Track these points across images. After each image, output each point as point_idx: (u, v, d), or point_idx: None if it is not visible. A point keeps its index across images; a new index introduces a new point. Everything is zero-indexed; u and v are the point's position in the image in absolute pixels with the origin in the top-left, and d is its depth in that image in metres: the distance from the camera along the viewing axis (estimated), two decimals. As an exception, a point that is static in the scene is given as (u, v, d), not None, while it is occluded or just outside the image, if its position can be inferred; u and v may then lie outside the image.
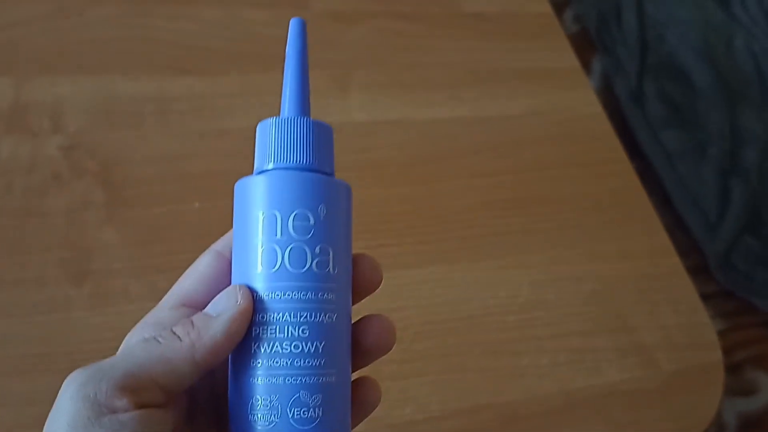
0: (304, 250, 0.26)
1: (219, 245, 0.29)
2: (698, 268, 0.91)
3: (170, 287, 0.29)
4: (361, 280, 0.29)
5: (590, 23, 1.18)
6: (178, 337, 0.25)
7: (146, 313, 0.29)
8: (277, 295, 0.26)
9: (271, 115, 0.29)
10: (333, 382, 0.26)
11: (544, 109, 0.68)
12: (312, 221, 0.26)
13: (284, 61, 0.29)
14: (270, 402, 0.25)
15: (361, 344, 0.28)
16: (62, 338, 0.46)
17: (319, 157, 0.27)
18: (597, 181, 0.64)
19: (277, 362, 0.25)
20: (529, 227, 0.59)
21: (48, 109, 0.55)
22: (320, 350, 0.26)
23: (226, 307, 0.26)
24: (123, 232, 0.51)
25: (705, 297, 0.59)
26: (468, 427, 0.47)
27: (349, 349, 0.28)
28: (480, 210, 0.59)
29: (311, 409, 0.25)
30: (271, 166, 0.27)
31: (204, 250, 0.30)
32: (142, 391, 0.24)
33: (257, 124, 0.28)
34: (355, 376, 0.29)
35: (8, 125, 0.54)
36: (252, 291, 0.26)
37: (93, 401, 0.23)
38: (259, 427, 0.25)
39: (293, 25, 0.29)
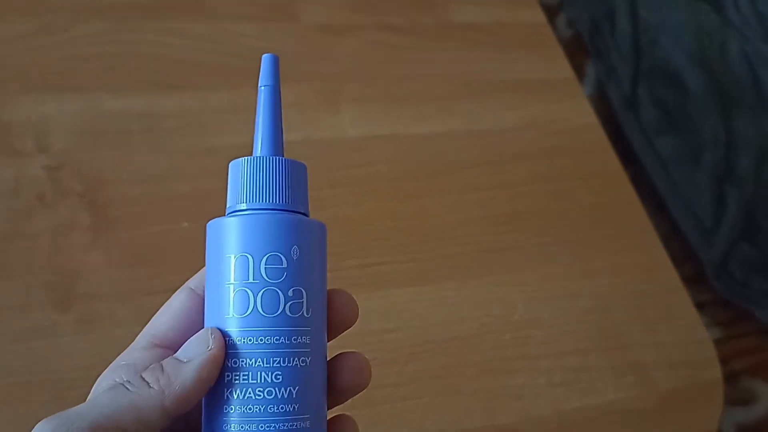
0: (277, 293, 0.26)
1: (193, 282, 0.29)
2: (694, 275, 0.91)
3: (158, 310, 0.29)
4: (337, 317, 0.28)
5: (583, 28, 1.17)
6: (147, 383, 0.25)
7: (134, 337, 0.28)
8: (250, 339, 0.26)
9: None
10: (308, 427, 0.26)
11: (538, 120, 0.67)
12: (285, 264, 0.26)
13: (257, 95, 0.29)
14: None
15: (335, 384, 0.28)
16: (47, 365, 0.45)
17: (292, 198, 0.27)
18: (592, 194, 0.63)
19: (250, 409, 0.25)
20: (523, 242, 0.58)
21: (32, 128, 0.54)
22: (294, 395, 0.26)
23: (197, 352, 0.25)
24: (109, 255, 0.50)
25: (701, 305, 0.58)
26: (463, 452, 0.46)
27: (325, 391, 0.27)
28: (473, 225, 0.58)
29: None
30: (243, 206, 0.27)
31: (193, 271, 0.29)
32: None
33: (230, 163, 0.28)
34: (331, 414, 0.28)
35: (-8, 145, 0.53)
36: (224, 335, 0.26)
37: None
38: None
39: (265, 61, 0.29)
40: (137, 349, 0.27)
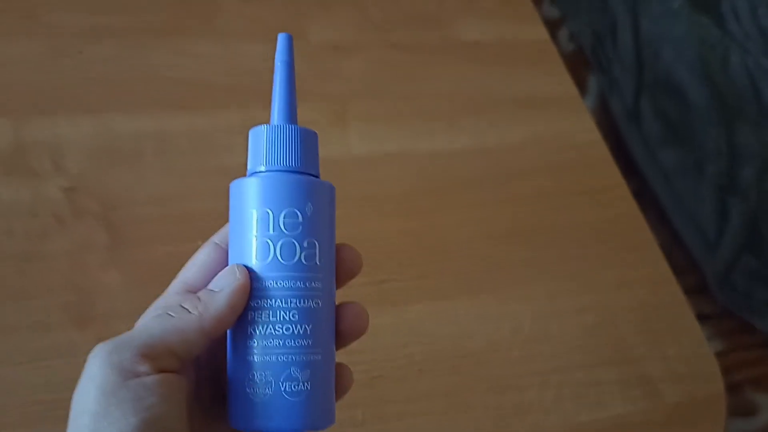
0: (294, 244, 0.29)
1: (217, 238, 0.32)
2: (697, 287, 0.92)
3: (186, 264, 0.32)
4: (344, 267, 0.32)
5: (585, 42, 1.18)
6: (187, 310, 0.29)
7: None
8: (270, 283, 0.29)
9: None
10: (320, 360, 0.29)
11: (543, 137, 0.68)
12: (300, 218, 0.30)
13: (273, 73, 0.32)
14: (264, 377, 0.29)
15: (338, 329, 0.31)
16: (68, 384, 0.46)
17: (305, 161, 0.31)
18: (596, 209, 0.64)
19: (270, 342, 0.29)
20: (530, 258, 0.59)
21: (48, 149, 0.56)
22: (308, 332, 0.29)
23: (227, 282, 0.29)
24: (126, 274, 0.51)
25: (704, 317, 0.59)
26: (474, 467, 0.47)
27: (333, 332, 0.31)
28: (481, 241, 0.59)
29: (301, 383, 0.29)
30: (263, 168, 0.30)
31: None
32: (159, 358, 0.27)
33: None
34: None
35: (8, 167, 0.54)
36: (248, 270, 0.29)
37: (119, 367, 0.26)
38: (255, 399, 0.29)
39: (281, 39, 0.32)
40: (172, 295, 0.31)
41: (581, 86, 0.73)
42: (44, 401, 0.45)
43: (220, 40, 0.66)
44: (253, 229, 0.29)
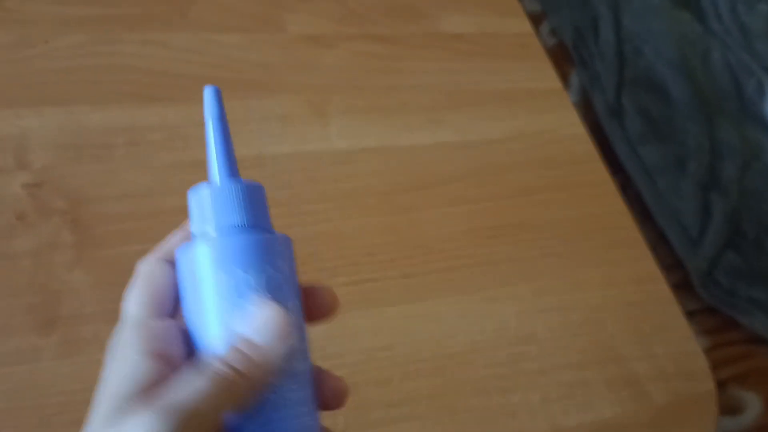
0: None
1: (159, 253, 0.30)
2: (680, 284, 0.91)
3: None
4: (318, 312, 0.30)
5: (567, 37, 1.17)
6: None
7: None
8: None
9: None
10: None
11: (526, 131, 0.66)
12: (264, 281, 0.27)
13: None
14: None
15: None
16: (31, 392, 0.43)
17: (255, 216, 0.29)
18: (581, 205, 0.63)
19: None
20: (514, 256, 0.58)
21: (11, 143, 0.53)
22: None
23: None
24: (94, 274, 0.48)
25: (688, 314, 0.58)
26: (459, 473, 0.45)
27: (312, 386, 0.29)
28: (464, 238, 0.58)
29: None
30: (211, 230, 0.28)
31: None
32: None
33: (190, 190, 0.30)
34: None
35: (-30, 162, 0.51)
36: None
37: None
38: None
39: (207, 93, 0.31)
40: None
41: (563, 82, 0.71)
42: (7, 409, 0.42)
43: (194, 30, 0.64)
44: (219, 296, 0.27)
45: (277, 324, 0.26)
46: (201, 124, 0.58)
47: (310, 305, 0.30)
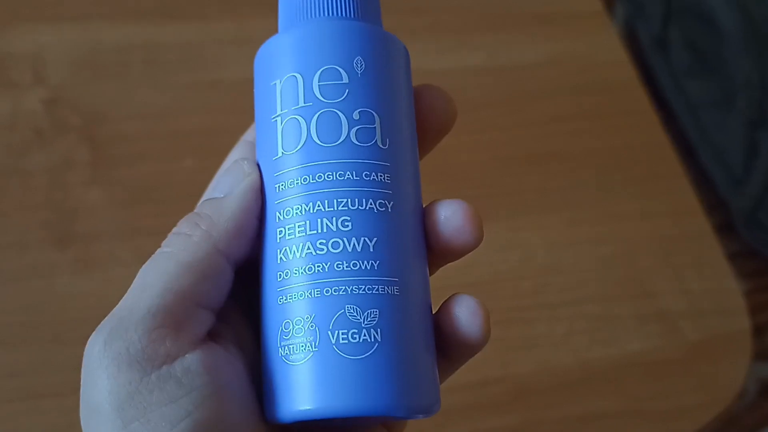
0: (337, 116, 0.20)
1: (248, 135, 0.25)
2: (721, 225, 0.87)
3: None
4: (430, 123, 0.23)
5: (612, -35, 1.11)
6: (186, 234, 0.20)
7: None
8: (305, 179, 0.20)
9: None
10: (396, 295, 0.19)
11: (563, 56, 0.63)
12: (346, 79, 0.21)
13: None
14: (304, 325, 0.18)
15: (431, 242, 0.21)
16: (45, 306, 0.43)
17: (357, 4, 0.22)
18: (618, 134, 0.59)
19: (310, 269, 0.19)
20: (544, 185, 0.55)
21: (29, 59, 0.52)
22: (371, 249, 0.19)
23: (233, 182, 0.21)
24: (109, 193, 0.47)
25: (728, 256, 0.55)
26: (476, 401, 0.44)
27: (423, 252, 0.21)
28: (492, 167, 0.55)
29: (365, 331, 0.19)
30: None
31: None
32: (183, 323, 0.18)
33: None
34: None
35: (-14, 77, 0.50)
36: (271, 164, 0.21)
37: (128, 359, 0.18)
38: (292, 362, 0.19)
39: None
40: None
41: (607, 11, 0.67)
42: (19, 322, 0.42)
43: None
44: (277, 107, 0.21)
45: (238, 171, 0.21)
46: (220, 43, 0.56)
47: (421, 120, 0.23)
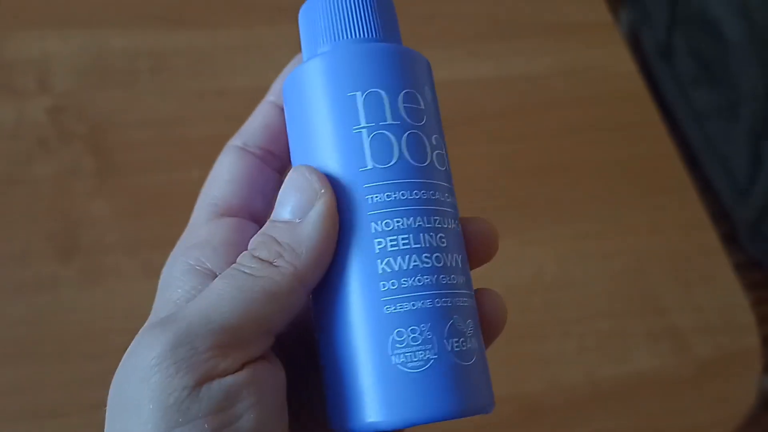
0: (422, 138, 0.21)
1: (237, 140, 0.25)
2: (725, 236, 0.87)
3: (207, 179, 0.25)
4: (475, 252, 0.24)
5: (617, -29, 1.11)
6: (270, 262, 0.20)
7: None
8: (403, 194, 0.20)
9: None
10: (474, 307, 0.22)
11: (573, 67, 0.62)
12: (422, 104, 0.22)
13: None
14: (421, 334, 0.20)
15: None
16: (50, 318, 0.42)
17: (395, 30, 0.23)
18: (628, 146, 0.59)
19: (419, 280, 0.20)
20: (554, 197, 0.55)
21: (34, 66, 0.51)
22: (460, 264, 0.21)
23: (304, 203, 0.20)
24: (114, 203, 0.47)
25: (732, 267, 0.55)
26: (488, 420, 0.43)
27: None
28: (502, 179, 0.55)
29: (467, 339, 0.21)
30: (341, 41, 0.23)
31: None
32: (246, 343, 0.19)
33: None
34: None
35: (-10, 84, 0.50)
36: (331, 177, 0.21)
37: (189, 367, 0.18)
38: (411, 370, 0.20)
39: None
40: (201, 224, 0.23)
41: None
42: (23, 336, 0.41)
43: (223, -49, 0.61)
44: (360, 119, 0.21)
45: (308, 191, 0.20)
46: (228, 50, 0.55)
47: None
